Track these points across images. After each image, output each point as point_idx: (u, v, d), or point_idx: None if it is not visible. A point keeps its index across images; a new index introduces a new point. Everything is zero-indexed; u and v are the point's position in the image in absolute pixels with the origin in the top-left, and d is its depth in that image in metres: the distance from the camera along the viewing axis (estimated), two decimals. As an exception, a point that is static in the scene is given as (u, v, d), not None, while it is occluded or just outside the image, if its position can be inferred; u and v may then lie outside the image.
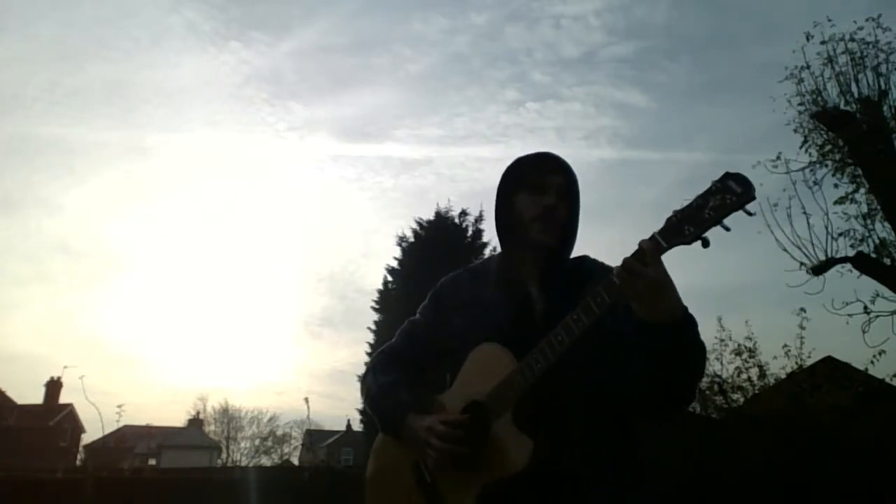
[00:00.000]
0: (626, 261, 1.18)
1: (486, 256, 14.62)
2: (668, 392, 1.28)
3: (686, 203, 1.15)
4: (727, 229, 1.13)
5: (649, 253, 1.15)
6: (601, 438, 1.32)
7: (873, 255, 7.51)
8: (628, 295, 1.18)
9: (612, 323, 1.26)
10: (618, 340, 1.29)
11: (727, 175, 1.12)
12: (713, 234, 1.14)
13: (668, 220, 1.17)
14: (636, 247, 1.17)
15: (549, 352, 1.27)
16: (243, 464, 35.06)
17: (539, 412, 1.31)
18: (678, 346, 1.20)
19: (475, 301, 1.55)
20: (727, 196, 1.10)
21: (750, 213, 1.11)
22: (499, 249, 1.70)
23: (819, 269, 7.37)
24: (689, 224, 1.13)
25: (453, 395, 1.48)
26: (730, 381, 7.42)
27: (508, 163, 1.61)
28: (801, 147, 7.99)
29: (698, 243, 1.14)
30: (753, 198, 1.09)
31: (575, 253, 1.59)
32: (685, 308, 1.22)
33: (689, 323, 1.23)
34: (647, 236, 1.18)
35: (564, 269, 1.51)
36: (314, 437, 34.53)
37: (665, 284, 1.17)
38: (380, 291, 15.40)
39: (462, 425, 1.39)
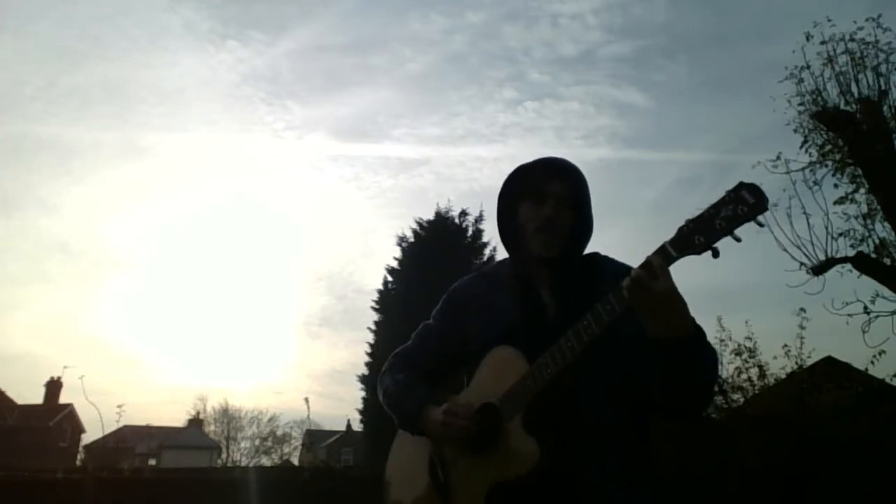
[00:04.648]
0: (634, 273, 1.17)
1: (486, 256, 14.66)
2: (681, 398, 1.29)
3: (698, 212, 1.14)
4: (738, 240, 1.11)
5: (658, 267, 1.15)
6: (610, 441, 1.33)
7: (873, 255, 7.50)
8: (637, 307, 1.18)
9: (625, 324, 1.25)
10: (630, 342, 1.29)
11: (741, 185, 1.11)
12: (722, 242, 1.13)
13: (680, 229, 1.16)
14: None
15: (559, 357, 1.28)
16: (243, 464, 35.17)
17: (548, 416, 1.32)
18: (688, 359, 1.20)
19: (489, 305, 1.56)
20: (739, 206, 1.09)
21: (760, 225, 1.10)
22: (500, 248, 1.71)
23: (819, 269, 7.36)
24: (700, 234, 1.13)
25: (468, 397, 1.50)
26: (730, 381, 7.41)
27: (507, 162, 1.64)
28: (801, 147, 7.99)
29: (708, 253, 1.13)
30: (766, 209, 1.08)
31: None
32: (693, 320, 1.22)
33: (698, 336, 1.24)
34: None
35: (575, 270, 1.51)
36: (314, 437, 34.57)
37: (674, 300, 1.16)
38: (380, 292, 15.40)
39: (474, 414, 1.42)
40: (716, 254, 1.13)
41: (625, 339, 1.29)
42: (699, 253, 1.13)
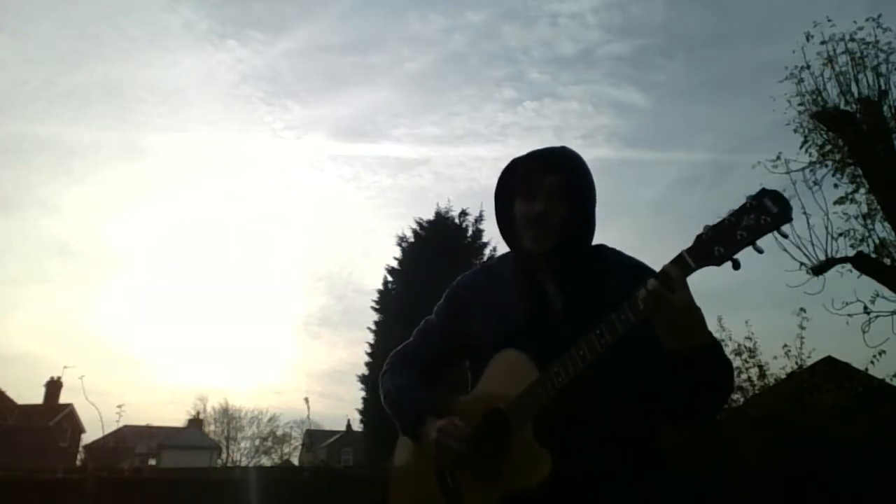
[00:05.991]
0: (651, 284, 1.12)
1: (486, 256, 14.65)
2: (694, 407, 1.27)
3: (718, 220, 1.09)
4: (760, 251, 1.05)
5: (676, 279, 1.10)
6: (622, 450, 1.31)
7: (873, 255, 7.51)
8: (653, 319, 1.15)
9: (636, 330, 1.21)
10: (641, 348, 1.27)
11: (763, 192, 1.05)
12: (743, 253, 1.07)
13: (698, 237, 1.11)
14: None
15: (570, 366, 1.26)
16: (243, 464, 35.16)
17: (559, 425, 1.30)
18: (703, 370, 1.18)
19: (493, 302, 1.53)
20: (762, 216, 1.03)
21: (784, 235, 1.05)
22: (500, 248, 1.70)
23: (819, 269, 7.37)
24: (720, 244, 1.07)
25: (474, 400, 1.47)
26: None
27: (506, 162, 1.56)
28: (801, 147, 8.01)
29: (728, 264, 1.08)
30: (790, 219, 1.03)
31: None
32: (710, 334, 1.20)
33: (714, 348, 1.21)
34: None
35: (580, 265, 1.47)
36: (314, 437, 34.57)
37: (691, 312, 1.13)
38: (379, 291, 15.41)
39: (476, 428, 1.40)
40: (736, 265, 1.07)
41: (635, 345, 1.25)
42: (719, 264, 1.08)
